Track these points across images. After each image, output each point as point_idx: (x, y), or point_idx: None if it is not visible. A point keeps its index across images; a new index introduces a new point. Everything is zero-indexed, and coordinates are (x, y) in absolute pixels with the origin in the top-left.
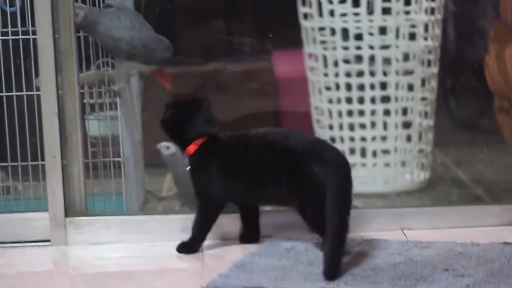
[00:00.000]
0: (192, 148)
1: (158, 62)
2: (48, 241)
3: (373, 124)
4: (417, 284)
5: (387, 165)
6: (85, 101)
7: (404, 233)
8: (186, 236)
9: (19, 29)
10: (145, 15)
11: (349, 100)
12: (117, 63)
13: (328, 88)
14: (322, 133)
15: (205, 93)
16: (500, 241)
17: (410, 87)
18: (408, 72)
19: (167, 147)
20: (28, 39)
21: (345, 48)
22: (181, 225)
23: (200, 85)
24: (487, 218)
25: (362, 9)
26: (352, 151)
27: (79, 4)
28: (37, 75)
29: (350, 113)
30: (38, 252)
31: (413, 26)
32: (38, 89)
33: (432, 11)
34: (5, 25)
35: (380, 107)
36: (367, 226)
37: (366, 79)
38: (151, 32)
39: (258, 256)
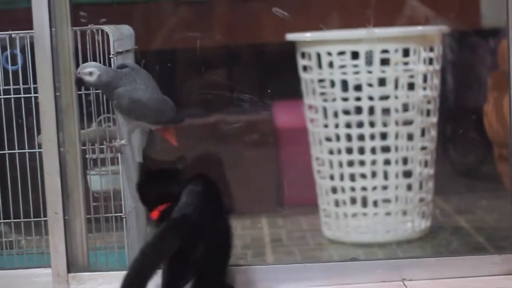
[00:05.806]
0: (155, 214)
1: (165, 122)
2: None
3: (373, 174)
4: None
5: (388, 214)
6: (87, 156)
7: (404, 284)
8: None
9: (21, 86)
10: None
11: (349, 151)
12: (124, 121)
13: (328, 139)
14: (324, 184)
15: (184, 164)
16: None
17: (410, 137)
18: (408, 122)
19: None
20: (30, 97)
21: (345, 99)
22: None
23: (182, 156)
24: (487, 268)
25: (361, 60)
26: (353, 200)
27: (95, 63)
28: (39, 132)
29: (350, 163)
30: None
31: (412, 76)
32: (40, 147)
33: (431, 61)
34: (7, 83)
35: (380, 157)
36: (368, 278)
37: (366, 130)
38: (160, 93)
39: None
